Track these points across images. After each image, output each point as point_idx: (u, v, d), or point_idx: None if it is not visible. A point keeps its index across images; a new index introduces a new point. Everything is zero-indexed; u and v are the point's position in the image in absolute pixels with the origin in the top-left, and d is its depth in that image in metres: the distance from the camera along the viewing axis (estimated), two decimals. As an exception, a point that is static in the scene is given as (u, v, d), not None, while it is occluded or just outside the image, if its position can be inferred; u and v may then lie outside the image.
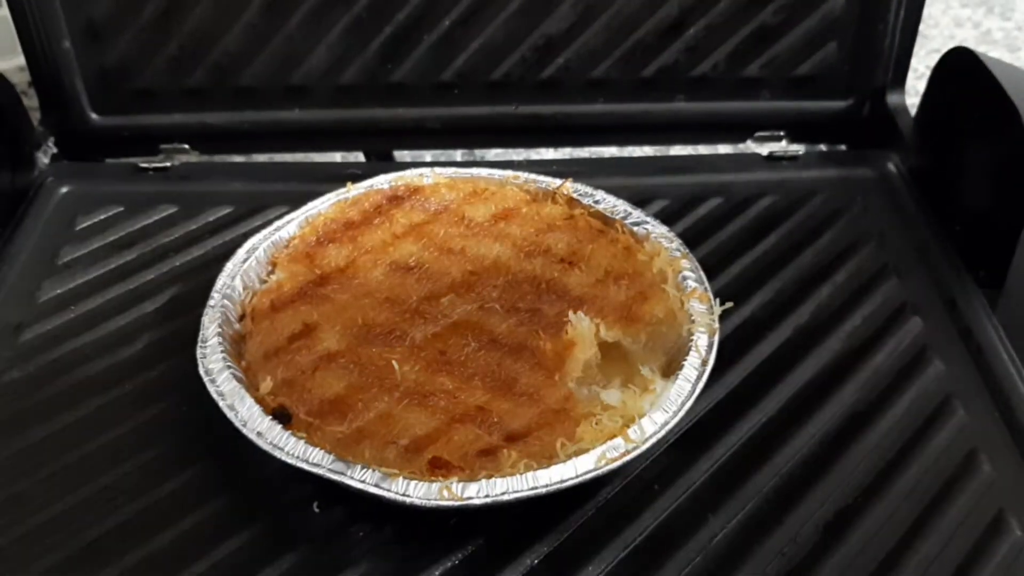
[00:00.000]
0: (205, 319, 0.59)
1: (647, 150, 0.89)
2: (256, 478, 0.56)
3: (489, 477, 0.50)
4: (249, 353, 0.58)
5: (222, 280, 0.62)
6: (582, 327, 0.58)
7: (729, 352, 0.61)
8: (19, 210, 0.75)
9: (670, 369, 0.57)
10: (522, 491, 0.50)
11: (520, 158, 0.89)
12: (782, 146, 0.81)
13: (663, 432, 0.53)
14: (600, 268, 0.63)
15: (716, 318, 0.59)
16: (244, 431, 0.53)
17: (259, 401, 0.54)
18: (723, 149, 0.88)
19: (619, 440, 0.52)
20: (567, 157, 0.89)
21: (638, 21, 0.78)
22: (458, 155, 0.91)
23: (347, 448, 0.52)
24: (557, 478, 0.51)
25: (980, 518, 0.53)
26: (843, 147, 0.84)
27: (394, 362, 0.56)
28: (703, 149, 0.88)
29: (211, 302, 0.60)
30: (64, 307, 0.67)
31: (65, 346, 0.64)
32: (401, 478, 0.50)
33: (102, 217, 0.75)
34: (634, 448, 0.52)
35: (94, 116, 0.81)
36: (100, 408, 0.60)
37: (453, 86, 0.80)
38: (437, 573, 0.52)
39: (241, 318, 0.61)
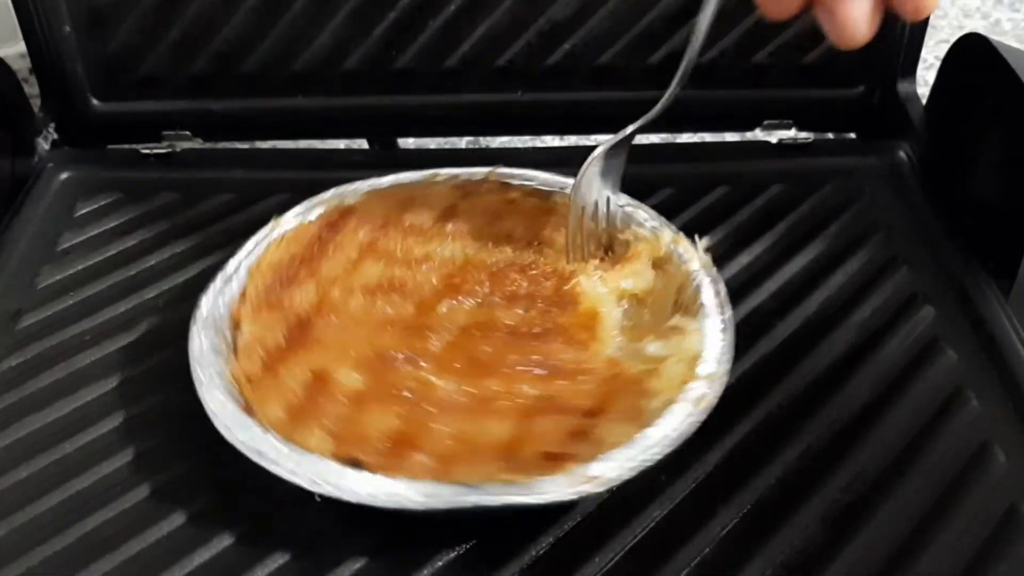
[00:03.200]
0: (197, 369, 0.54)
1: (654, 138, 0.87)
2: (253, 470, 0.55)
3: (603, 453, 0.48)
4: (272, 417, 0.52)
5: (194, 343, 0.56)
6: (591, 288, 0.57)
7: (738, 342, 0.60)
8: (19, 196, 0.74)
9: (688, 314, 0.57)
10: (656, 452, 0.48)
11: (525, 146, 0.88)
12: (791, 134, 0.80)
13: (728, 363, 0.53)
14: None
15: (701, 251, 0.59)
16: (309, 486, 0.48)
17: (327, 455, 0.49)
18: (731, 137, 0.87)
19: (696, 383, 0.51)
20: (572, 145, 0.88)
21: (645, 7, 0.77)
22: (463, 143, 0.90)
23: (444, 476, 0.48)
24: (673, 428, 0.49)
25: (994, 510, 0.52)
26: (853, 136, 0.83)
27: (432, 379, 0.53)
28: (710, 137, 0.87)
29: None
30: (64, 293, 0.66)
31: (64, 333, 0.63)
32: (534, 479, 0.47)
33: (102, 203, 0.74)
34: (716, 381, 0.52)
35: (95, 102, 0.80)
36: (99, 396, 0.59)
37: (458, 73, 0.79)
38: (440, 563, 0.51)
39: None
